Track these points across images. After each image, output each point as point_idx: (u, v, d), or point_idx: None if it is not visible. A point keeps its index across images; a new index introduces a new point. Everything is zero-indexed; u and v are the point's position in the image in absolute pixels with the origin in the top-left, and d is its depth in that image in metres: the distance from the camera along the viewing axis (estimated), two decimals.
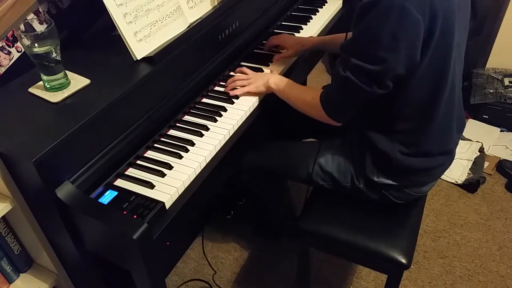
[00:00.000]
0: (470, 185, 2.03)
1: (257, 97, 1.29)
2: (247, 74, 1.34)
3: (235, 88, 1.30)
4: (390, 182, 1.19)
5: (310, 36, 1.54)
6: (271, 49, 1.51)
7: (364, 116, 1.15)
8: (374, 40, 0.95)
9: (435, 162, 1.19)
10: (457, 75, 1.10)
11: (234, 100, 1.28)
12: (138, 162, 1.08)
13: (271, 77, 1.29)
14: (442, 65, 1.03)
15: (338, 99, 1.10)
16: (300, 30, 1.62)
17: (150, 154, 1.10)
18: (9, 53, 1.05)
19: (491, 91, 2.29)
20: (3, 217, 1.01)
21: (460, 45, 1.07)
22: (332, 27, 1.70)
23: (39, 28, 0.98)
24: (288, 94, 1.25)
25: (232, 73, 1.40)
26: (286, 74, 1.41)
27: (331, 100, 1.11)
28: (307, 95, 1.18)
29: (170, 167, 1.05)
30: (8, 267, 1.10)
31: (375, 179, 1.20)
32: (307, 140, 1.41)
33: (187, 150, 1.11)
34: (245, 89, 1.28)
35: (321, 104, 1.11)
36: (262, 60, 1.45)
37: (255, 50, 1.50)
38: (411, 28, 0.93)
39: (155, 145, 1.13)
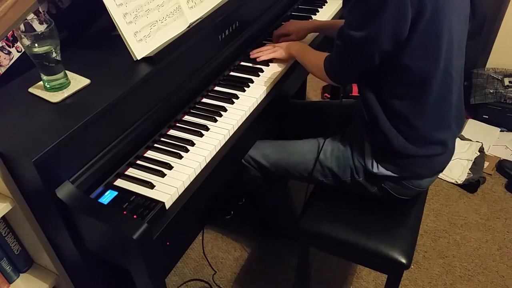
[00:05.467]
0: (470, 185, 2.03)
1: (257, 97, 1.29)
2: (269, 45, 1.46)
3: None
4: (389, 173, 1.21)
5: (313, 19, 1.60)
6: (278, 40, 1.55)
7: (369, 98, 1.17)
8: (362, 11, 1.03)
9: (433, 150, 1.20)
10: (454, 65, 1.12)
11: (234, 100, 1.28)
12: (138, 162, 1.08)
13: (291, 43, 1.43)
14: (432, 48, 1.05)
15: (336, 65, 1.19)
16: None
17: (150, 154, 1.10)
18: (9, 53, 1.05)
19: (491, 91, 2.29)
20: (3, 217, 1.01)
21: (454, 32, 1.08)
22: None
23: (39, 28, 0.98)
24: (303, 57, 1.36)
25: (232, 73, 1.41)
26: (286, 74, 1.41)
27: (331, 65, 1.20)
28: (316, 59, 1.26)
29: (170, 167, 1.05)
30: (8, 267, 1.10)
31: (375, 171, 1.22)
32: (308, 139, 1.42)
33: (187, 150, 1.11)
34: (270, 55, 1.42)
35: (323, 67, 1.20)
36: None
37: None
38: (395, 4, 0.97)
39: (155, 145, 1.13)
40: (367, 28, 1.02)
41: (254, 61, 1.44)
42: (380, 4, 0.98)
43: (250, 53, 1.45)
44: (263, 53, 1.43)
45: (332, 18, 1.74)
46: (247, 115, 1.25)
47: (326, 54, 1.23)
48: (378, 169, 1.21)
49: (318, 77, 1.27)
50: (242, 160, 1.42)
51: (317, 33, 1.59)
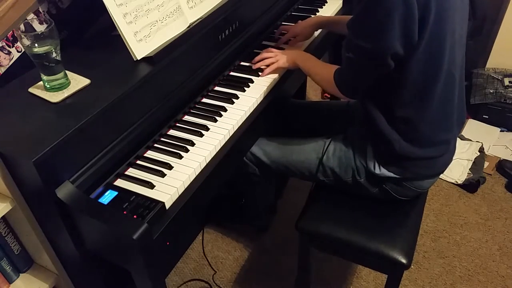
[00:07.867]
0: (470, 185, 2.03)
1: (257, 97, 1.29)
2: (271, 52, 1.40)
3: (263, 68, 1.38)
4: (391, 174, 1.21)
5: (317, 15, 1.58)
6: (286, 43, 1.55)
7: (368, 102, 1.17)
8: (370, 19, 1.01)
9: (436, 151, 1.20)
10: (457, 65, 1.12)
11: (234, 100, 1.28)
12: (138, 162, 1.08)
13: (296, 53, 1.38)
14: (437, 50, 1.05)
15: (347, 78, 1.16)
16: None
17: (150, 154, 1.10)
18: (9, 53, 1.05)
19: (491, 91, 2.29)
20: (3, 217, 1.01)
21: (456, 33, 1.08)
22: None
23: (39, 28, 0.98)
24: (310, 69, 1.32)
25: (232, 73, 1.41)
26: (286, 74, 1.41)
27: (341, 78, 1.17)
28: (326, 72, 1.23)
29: (170, 167, 1.05)
30: (8, 267, 1.10)
31: (376, 172, 1.22)
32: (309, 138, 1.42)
33: (187, 150, 1.11)
34: (274, 66, 1.36)
35: (334, 81, 1.18)
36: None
37: (255, 50, 1.50)
38: (404, 8, 0.95)
39: (155, 145, 1.13)
40: (378, 37, 1.00)
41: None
42: (386, 13, 0.96)
43: (253, 66, 1.39)
44: (265, 62, 1.38)
45: None
46: (247, 115, 1.25)
47: (334, 66, 1.20)
48: (380, 170, 1.21)
49: (326, 89, 1.26)
50: (245, 156, 1.42)
51: (319, 31, 1.58)
